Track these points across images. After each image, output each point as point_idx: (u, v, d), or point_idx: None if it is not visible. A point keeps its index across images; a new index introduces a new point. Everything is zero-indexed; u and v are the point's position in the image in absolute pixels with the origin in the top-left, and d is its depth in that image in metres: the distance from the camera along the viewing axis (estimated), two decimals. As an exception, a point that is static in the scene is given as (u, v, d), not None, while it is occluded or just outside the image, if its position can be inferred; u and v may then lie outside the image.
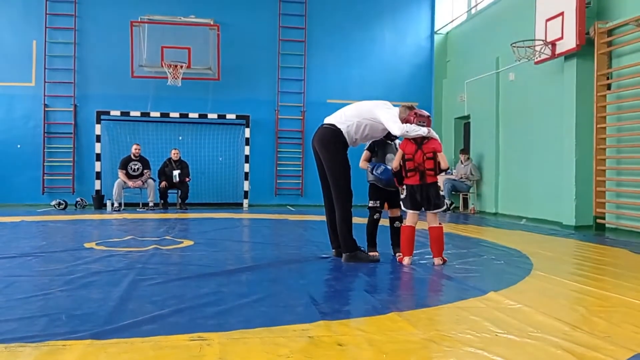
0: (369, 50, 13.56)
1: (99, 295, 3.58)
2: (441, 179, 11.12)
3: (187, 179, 11.88)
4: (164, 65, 11.71)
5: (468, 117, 12.58)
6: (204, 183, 12.84)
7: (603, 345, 2.64)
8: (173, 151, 12.00)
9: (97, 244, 5.95)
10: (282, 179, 13.27)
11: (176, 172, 11.70)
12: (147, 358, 2.40)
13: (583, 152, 8.55)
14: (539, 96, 9.83)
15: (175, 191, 11.93)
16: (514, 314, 3.21)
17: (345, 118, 5.15)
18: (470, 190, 11.91)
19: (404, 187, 5.04)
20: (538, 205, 9.80)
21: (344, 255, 5.09)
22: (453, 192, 11.87)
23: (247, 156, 12.56)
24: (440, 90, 13.69)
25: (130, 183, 11.42)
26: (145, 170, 11.63)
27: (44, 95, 12.36)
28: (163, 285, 3.91)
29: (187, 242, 6.24)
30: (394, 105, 5.18)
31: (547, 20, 8.86)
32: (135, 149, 11.66)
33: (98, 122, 12.13)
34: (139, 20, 12.18)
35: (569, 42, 8.39)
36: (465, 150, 12.15)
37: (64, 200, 11.46)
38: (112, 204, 11.28)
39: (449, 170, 11.18)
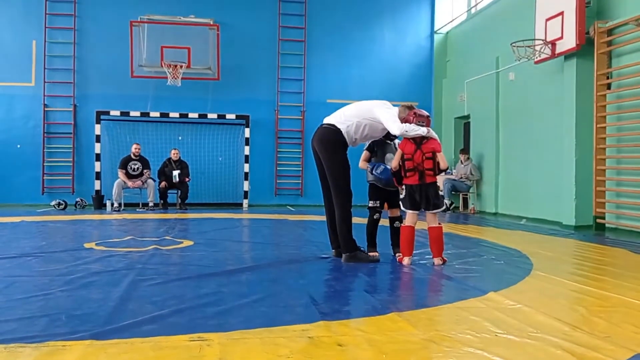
0: (369, 50, 13.56)
1: (99, 295, 3.58)
2: (441, 179, 11.12)
3: (187, 179, 11.88)
4: (163, 65, 11.71)
5: (468, 116, 12.57)
6: (204, 183, 12.84)
7: (603, 346, 2.64)
8: (173, 151, 12.00)
9: (97, 244, 5.94)
10: (282, 179, 13.27)
11: (176, 172, 11.70)
12: (147, 358, 2.40)
13: (583, 152, 8.55)
14: (539, 96, 9.83)
15: (175, 191, 11.92)
16: (514, 314, 3.21)
17: (345, 118, 5.15)
18: (470, 190, 11.91)
19: (403, 187, 5.04)
20: (538, 205, 9.80)
21: (344, 255, 5.09)
22: (453, 192, 11.87)
23: (247, 156, 12.56)
24: (440, 90, 13.69)
25: (129, 183, 11.42)
26: (145, 170, 11.63)
27: (44, 95, 12.36)
28: (163, 286, 3.91)
29: (187, 242, 6.23)
30: (394, 105, 5.18)
31: (547, 19, 8.86)
32: (135, 149, 11.66)
33: (98, 122, 12.13)
34: (139, 20, 12.18)
35: (569, 41, 8.39)
36: (465, 150, 12.14)
37: (63, 201, 11.46)
38: (112, 204, 11.28)
39: (448, 170, 11.19)
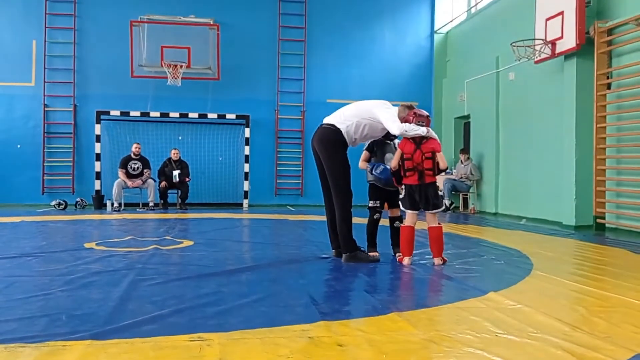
0: (369, 49, 13.56)
1: (99, 295, 3.58)
2: (441, 179, 11.12)
3: (187, 179, 11.88)
4: (163, 65, 11.71)
5: (468, 116, 12.57)
6: (204, 183, 12.84)
7: (603, 346, 2.64)
8: (173, 151, 11.99)
9: (97, 244, 5.95)
10: (282, 179, 13.27)
11: (176, 172, 11.70)
12: (147, 358, 2.40)
13: (583, 152, 8.55)
14: (539, 96, 9.83)
15: (175, 191, 11.92)
16: (514, 314, 3.21)
17: (345, 118, 5.15)
18: (470, 190, 11.91)
19: (403, 186, 5.04)
20: (538, 205, 9.80)
21: (344, 255, 5.09)
22: (453, 192, 11.87)
23: (247, 156, 12.56)
24: (440, 89, 13.69)
25: (129, 183, 11.42)
26: (145, 170, 11.64)
27: (44, 95, 12.36)
28: (163, 286, 3.91)
29: (187, 242, 6.23)
30: (394, 105, 5.18)
31: (547, 19, 8.86)
32: (136, 148, 11.66)
33: (98, 122, 12.13)
34: (139, 20, 12.18)
35: (569, 41, 8.39)
36: (465, 150, 12.14)
37: (63, 201, 11.46)
38: (112, 204, 11.28)
39: (448, 170, 11.19)
